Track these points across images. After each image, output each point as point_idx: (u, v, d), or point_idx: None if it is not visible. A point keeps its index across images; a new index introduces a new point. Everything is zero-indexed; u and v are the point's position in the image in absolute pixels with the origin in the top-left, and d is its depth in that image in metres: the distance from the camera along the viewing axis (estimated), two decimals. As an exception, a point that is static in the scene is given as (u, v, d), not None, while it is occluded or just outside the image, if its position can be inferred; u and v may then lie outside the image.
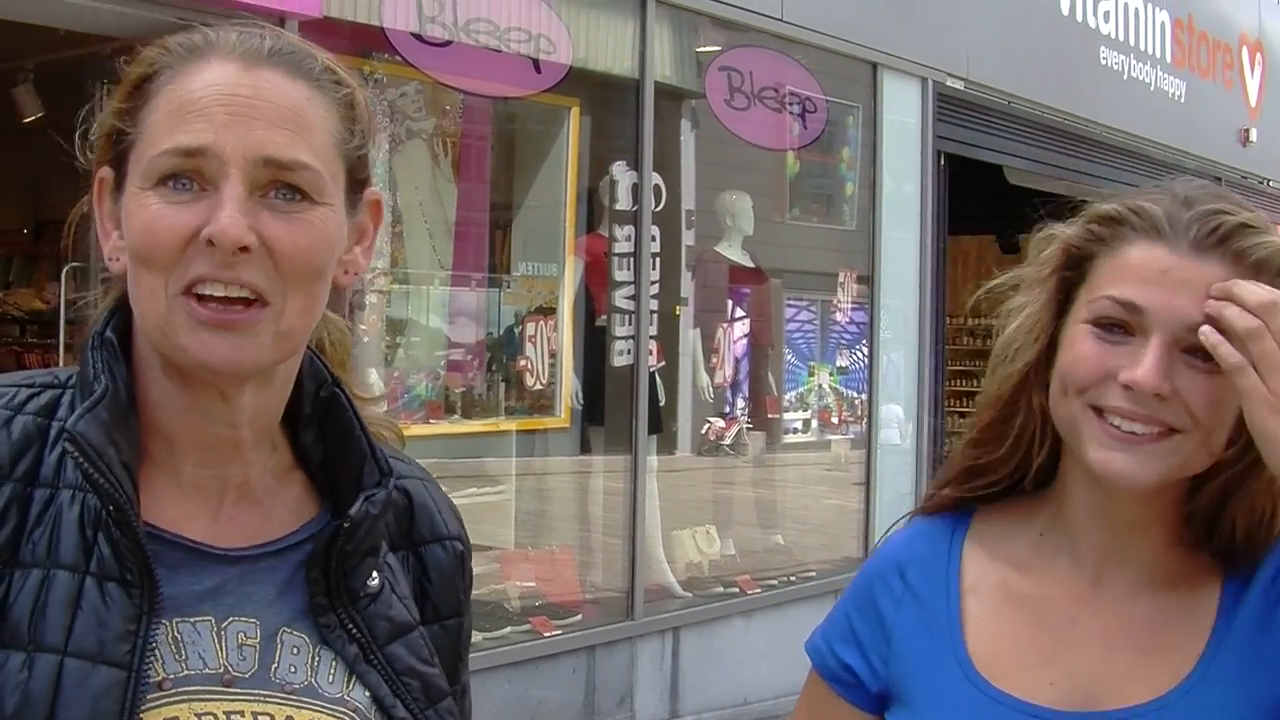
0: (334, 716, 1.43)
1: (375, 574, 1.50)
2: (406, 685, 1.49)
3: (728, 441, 9.51)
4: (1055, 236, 1.69)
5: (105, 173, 1.44)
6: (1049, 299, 1.67)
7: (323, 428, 1.54)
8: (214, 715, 1.38)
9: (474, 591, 6.10)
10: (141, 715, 1.33)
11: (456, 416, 7.62)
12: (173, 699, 1.36)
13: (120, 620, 1.34)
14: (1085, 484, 1.65)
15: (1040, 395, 1.67)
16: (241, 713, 1.39)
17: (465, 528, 1.68)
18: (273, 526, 1.50)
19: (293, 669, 1.43)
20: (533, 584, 7.59)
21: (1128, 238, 1.60)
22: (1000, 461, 1.73)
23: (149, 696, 1.34)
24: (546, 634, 7.24)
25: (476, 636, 6.89)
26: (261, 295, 1.37)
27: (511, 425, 7.85)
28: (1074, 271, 1.65)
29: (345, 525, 1.46)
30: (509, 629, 7.16)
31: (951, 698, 1.67)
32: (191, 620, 1.40)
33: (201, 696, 1.38)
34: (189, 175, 1.36)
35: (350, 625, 1.47)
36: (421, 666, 1.51)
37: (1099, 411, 1.57)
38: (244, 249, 1.35)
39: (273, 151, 1.37)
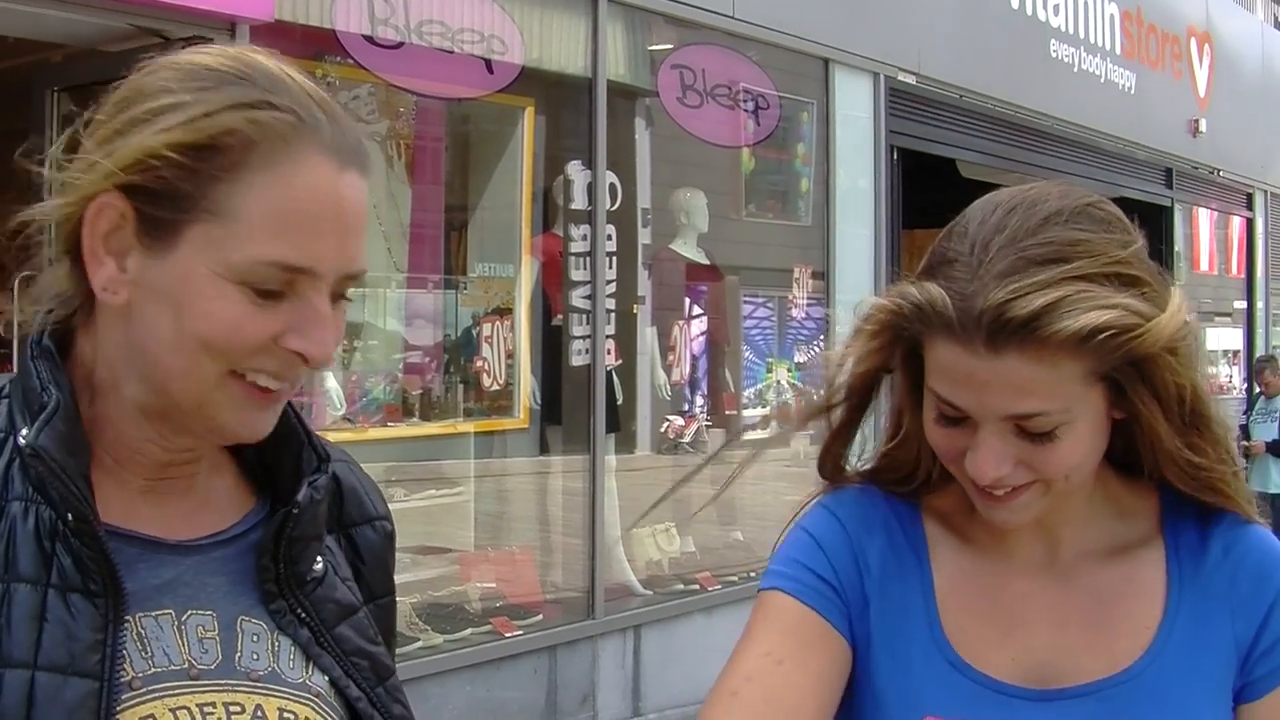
0: (299, 702, 1.45)
1: (319, 559, 1.52)
2: (356, 665, 1.52)
3: (687, 439, 9.52)
4: (874, 307, 1.67)
5: (116, 201, 1.37)
6: (880, 348, 1.68)
7: None
8: (188, 709, 1.38)
9: (434, 594, 6.11)
10: (117, 718, 1.34)
11: (415, 419, 7.61)
12: (144, 698, 1.37)
13: (88, 630, 1.34)
14: None
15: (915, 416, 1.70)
16: (213, 704, 1.40)
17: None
18: (217, 518, 1.50)
19: (255, 656, 1.45)
20: (493, 585, 7.59)
21: (932, 328, 1.55)
22: (901, 465, 1.77)
23: (122, 698, 1.34)
24: (507, 634, 7.24)
25: (437, 639, 6.90)
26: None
27: (470, 427, 7.84)
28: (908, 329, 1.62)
29: (294, 511, 1.48)
30: (470, 630, 7.16)
31: (931, 675, 1.67)
32: (154, 614, 1.41)
33: (172, 691, 1.38)
34: (283, 286, 1.37)
35: (300, 610, 1.49)
36: (369, 646, 1.54)
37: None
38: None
39: (355, 268, 1.40)
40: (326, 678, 1.50)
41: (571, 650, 7.57)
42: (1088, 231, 1.53)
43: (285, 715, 1.44)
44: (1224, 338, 16.57)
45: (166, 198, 1.36)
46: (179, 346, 1.37)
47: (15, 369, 1.45)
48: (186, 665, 1.40)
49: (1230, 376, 16.75)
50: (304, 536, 1.50)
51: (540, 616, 7.55)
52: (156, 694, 1.37)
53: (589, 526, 7.81)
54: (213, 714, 1.40)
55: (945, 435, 1.60)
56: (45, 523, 1.36)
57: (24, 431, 1.38)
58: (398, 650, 5.67)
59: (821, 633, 1.66)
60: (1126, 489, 1.72)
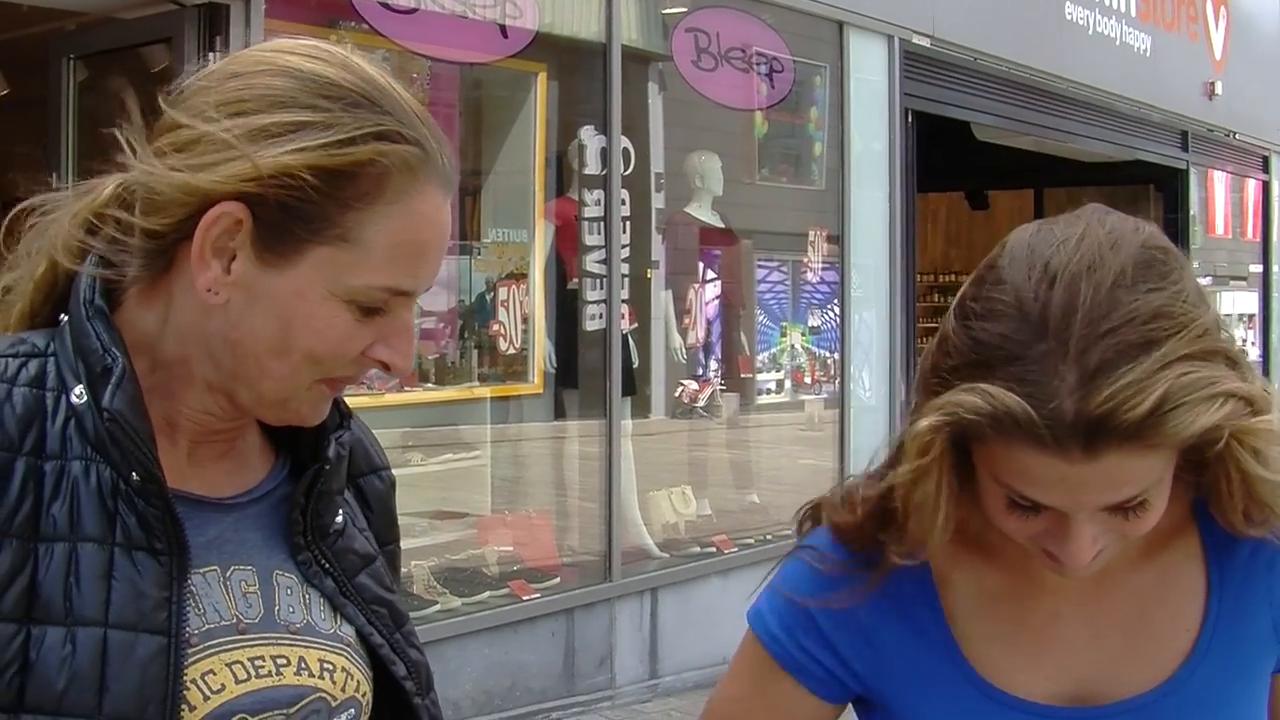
0: (335, 653, 1.50)
1: (340, 511, 1.57)
2: (377, 614, 1.56)
3: (702, 404, 9.54)
4: (925, 428, 1.46)
5: (237, 211, 1.38)
6: (940, 480, 1.50)
7: None
8: (241, 663, 1.43)
9: (452, 558, 6.15)
10: (184, 674, 1.38)
11: (430, 384, 7.64)
12: (203, 653, 1.41)
13: (155, 588, 1.38)
14: None
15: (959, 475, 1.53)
16: (261, 657, 1.45)
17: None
18: (250, 474, 1.55)
19: (291, 609, 1.49)
20: (510, 549, 7.62)
21: (1008, 435, 1.41)
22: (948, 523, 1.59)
23: (185, 654, 1.39)
24: (525, 598, 7.28)
25: (455, 602, 6.94)
26: None
27: (486, 392, 7.86)
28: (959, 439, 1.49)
29: (325, 467, 1.53)
30: (488, 594, 7.19)
31: (948, 700, 1.63)
32: (202, 572, 1.44)
33: (226, 646, 1.43)
34: (383, 305, 1.42)
35: (324, 561, 1.53)
36: (385, 594, 1.59)
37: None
38: None
39: (434, 278, 1.47)
40: (353, 627, 1.54)
41: (589, 613, 7.60)
42: (1159, 292, 1.40)
43: (325, 666, 1.49)
44: (1239, 301, 16.50)
45: (298, 217, 1.38)
46: (282, 354, 1.41)
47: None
48: (235, 620, 1.45)
49: (1245, 340, 16.70)
50: (330, 490, 1.55)
51: (557, 580, 7.58)
52: (213, 649, 1.42)
53: (605, 490, 7.84)
54: (263, 667, 1.44)
55: (1021, 523, 1.48)
56: (107, 482, 1.39)
57: (77, 390, 1.40)
58: (417, 613, 5.77)
59: (789, 693, 1.70)
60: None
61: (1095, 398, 1.34)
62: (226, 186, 1.37)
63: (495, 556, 7.50)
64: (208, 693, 1.40)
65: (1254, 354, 16.30)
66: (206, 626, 1.42)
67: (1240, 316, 16.62)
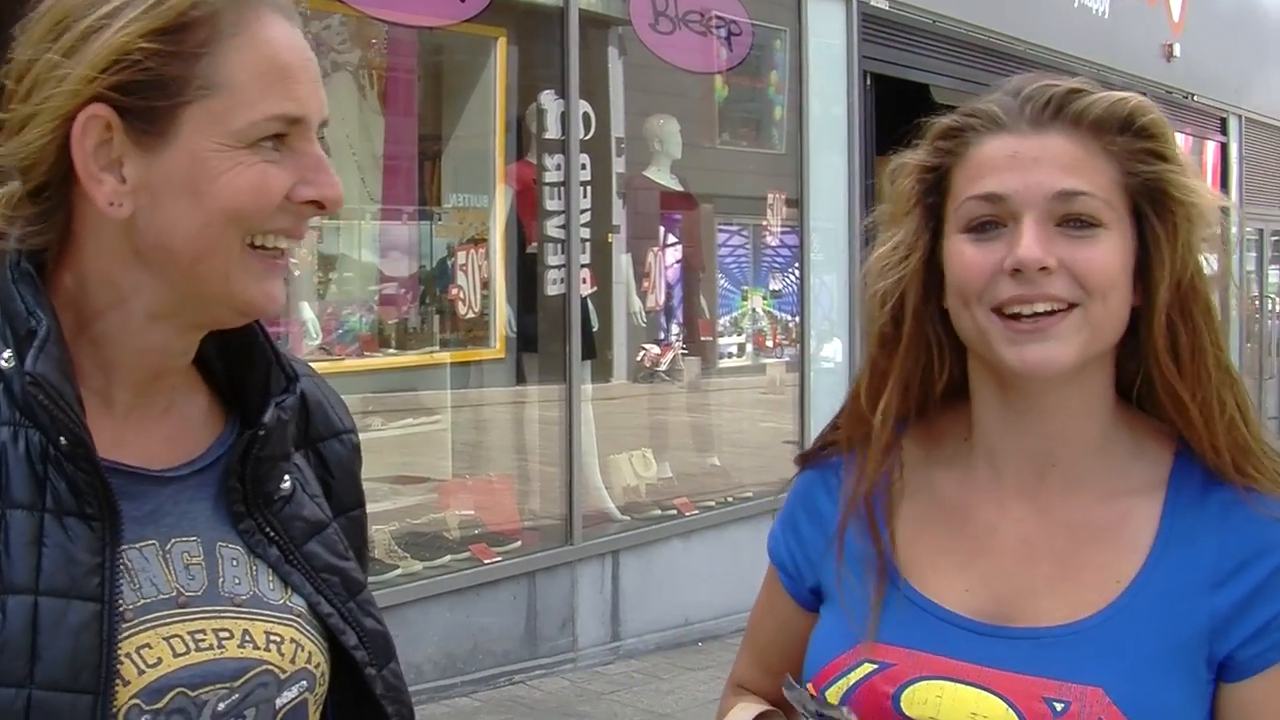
0: (283, 624, 1.48)
1: (287, 477, 1.54)
2: (327, 581, 1.53)
3: (663, 368, 9.57)
4: (905, 165, 1.70)
5: (99, 111, 1.37)
6: (917, 227, 1.67)
7: (223, 339, 1.55)
8: (180, 637, 1.40)
9: (413, 522, 6.15)
10: (116, 646, 1.35)
11: (391, 349, 7.65)
12: (138, 628, 1.38)
13: (87, 554, 1.35)
14: (997, 396, 1.65)
15: (931, 326, 1.67)
16: (203, 631, 1.42)
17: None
18: (194, 443, 1.52)
19: (237, 581, 1.47)
20: (471, 513, 7.64)
21: (972, 141, 1.62)
22: (893, 405, 1.72)
23: (119, 626, 1.36)
24: (486, 561, 7.30)
25: (416, 566, 6.96)
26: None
27: (446, 357, 7.86)
28: (935, 195, 1.66)
29: (260, 433, 1.49)
30: (449, 557, 7.22)
31: (873, 595, 1.68)
32: (138, 546, 1.42)
33: (164, 620, 1.40)
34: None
35: (268, 529, 1.50)
36: (338, 561, 1.56)
37: (1000, 312, 1.57)
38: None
39: (326, 112, 1.45)
40: (302, 597, 1.51)
41: (550, 576, 7.63)
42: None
43: (272, 638, 1.46)
44: (1198, 262, 16.60)
45: (155, 88, 1.37)
46: (206, 225, 1.39)
47: None
48: (175, 593, 1.42)
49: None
50: (271, 456, 1.51)
51: (519, 543, 7.61)
52: (149, 624, 1.39)
53: (566, 454, 7.86)
54: (204, 640, 1.42)
55: (979, 252, 1.59)
56: (35, 447, 1.37)
57: (5, 354, 1.38)
58: (378, 577, 5.78)
59: (779, 593, 1.85)
60: (1148, 434, 1.66)
61: (1040, 89, 1.61)
62: (77, 97, 1.36)
63: (456, 520, 7.51)
64: (143, 666, 1.37)
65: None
66: (142, 601, 1.40)
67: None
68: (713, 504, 8.83)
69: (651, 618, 8.11)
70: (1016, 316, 1.56)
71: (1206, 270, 1.60)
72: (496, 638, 7.28)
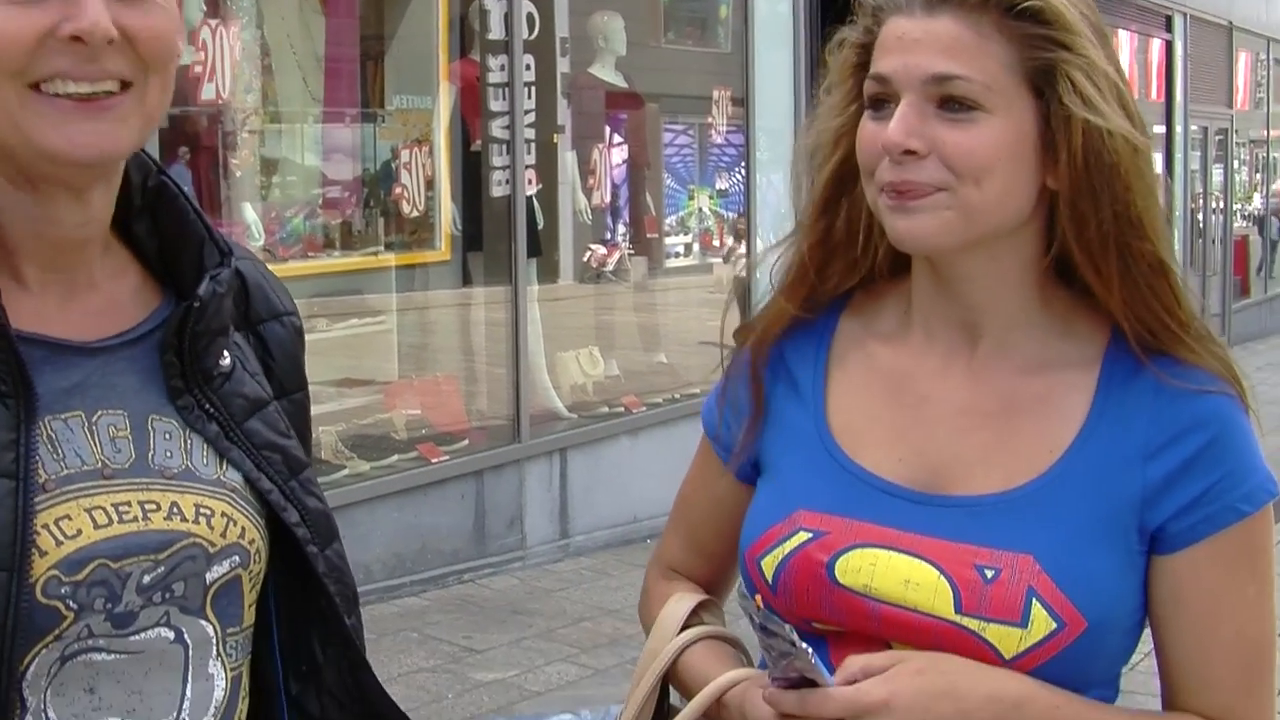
0: (214, 498, 1.46)
1: (226, 354, 1.52)
2: (268, 459, 1.52)
3: (610, 268, 9.61)
4: (845, 39, 1.71)
5: None
6: (844, 99, 1.69)
7: (154, 218, 1.53)
8: (103, 509, 1.38)
9: (360, 423, 6.12)
10: (34, 519, 1.33)
11: (336, 251, 7.64)
12: (58, 499, 1.36)
13: (1, 431, 1.33)
14: (926, 266, 1.67)
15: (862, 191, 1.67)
16: (128, 503, 1.40)
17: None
18: (123, 318, 1.49)
19: (169, 454, 1.45)
20: (418, 413, 7.65)
21: (884, 20, 1.63)
22: (835, 273, 1.74)
23: (35, 500, 1.34)
24: (434, 460, 7.32)
25: (363, 466, 6.97)
26: (126, 81, 1.37)
27: (392, 260, 7.85)
28: (865, 71, 1.66)
29: (195, 305, 1.47)
30: (396, 457, 7.24)
31: (809, 467, 1.69)
32: (63, 417, 1.40)
33: (87, 492, 1.38)
34: None
35: (207, 405, 1.48)
36: (280, 439, 1.55)
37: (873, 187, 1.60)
38: (111, 40, 1.34)
39: None
40: (240, 473, 1.50)
41: (498, 475, 7.66)
42: None
43: (202, 511, 1.44)
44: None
45: None
46: None
47: None
48: (100, 465, 1.40)
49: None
50: (208, 331, 1.49)
51: (466, 442, 7.63)
52: (70, 495, 1.37)
53: (512, 354, 7.87)
54: (128, 512, 1.40)
55: (872, 130, 1.60)
56: None
57: None
58: (325, 478, 5.78)
59: (712, 465, 1.84)
60: (1081, 313, 1.66)
61: None
62: None
63: (403, 421, 7.53)
64: (61, 537, 1.35)
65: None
66: (65, 471, 1.38)
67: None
68: (660, 401, 8.88)
69: (600, 515, 8.17)
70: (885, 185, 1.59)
71: (1136, 164, 1.58)
72: (445, 537, 7.32)
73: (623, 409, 8.73)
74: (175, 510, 1.42)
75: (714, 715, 1.66)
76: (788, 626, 1.45)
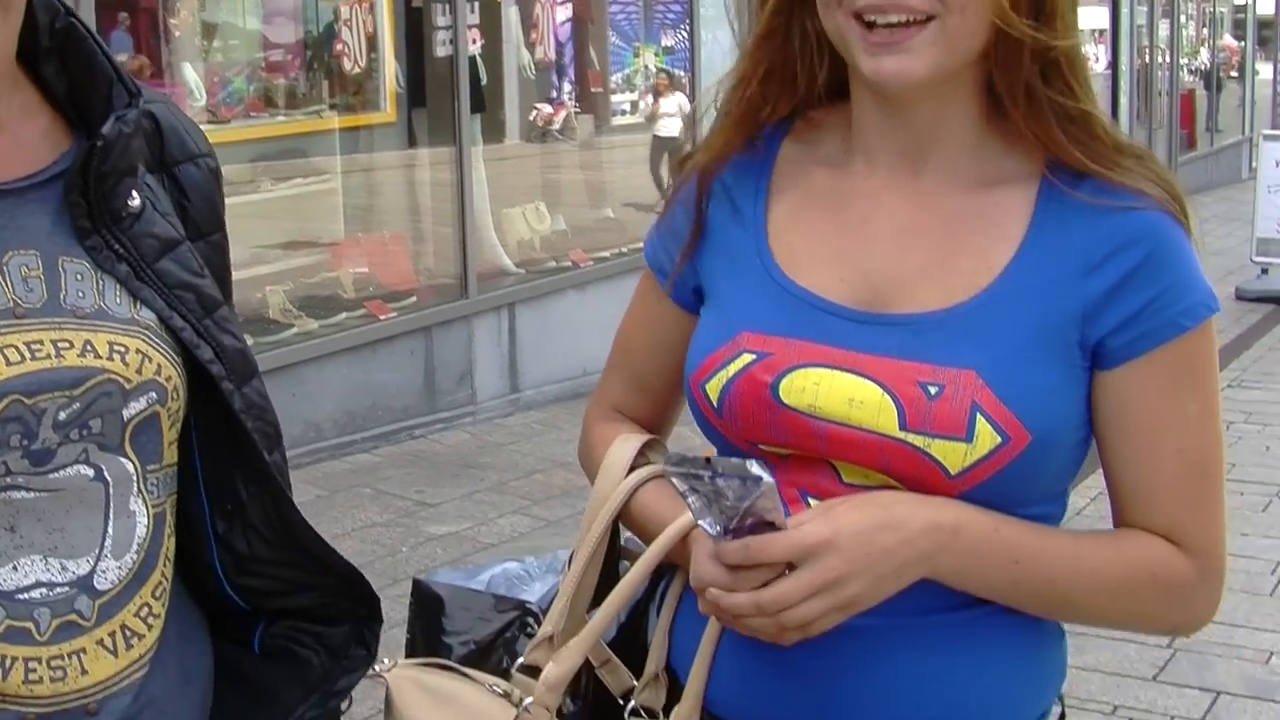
0: (128, 335, 1.46)
1: (135, 194, 1.51)
2: (181, 298, 1.52)
3: (556, 126, 9.59)
4: None
5: None
6: None
7: (63, 59, 1.52)
8: (15, 347, 1.39)
9: (307, 281, 6.09)
10: None
11: (279, 114, 7.60)
12: None
13: None
14: (869, 95, 1.64)
15: (808, 17, 1.63)
16: (40, 341, 1.40)
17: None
18: (32, 159, 1.49)
19: (80, 294, 1.45)
20: (365, 270, 7.66)
21: None
22: (775, 96, 1.70)
23: None
24: (382, 317, 7.34)
25: (312, 324, 6.96)
26: None
27: (336, 121, 7.81)
28: None
29: (99, 145, 1.46)
30: (344, 315, 7.26)
31: (751, 290, 1.67)
32: None
33: None
34: None
35: (116, 245, 1.48)
36: (192, 278, 1.54)
37: (860, 18, 1.54)
38: None
39: None
40: (153, 312, 1.49)
41: (446, 330, 7.69)
42: None
43: (116, 348, 1.44)
44: (1090, 16, 16.58)
45: None
46: None
47: None
48: (11, 305, 1.40)
49: (1096, 57, 16.80)
50: (114, 171, 1.48)
51: (414, 299, 7.65)
52: None
53: (459, 212, 7.87)
54: (41, 350, 1.40)
55: None
56: None
57: None
58: (273, 337, 5.82)
59: (657, 298, 1.80)
60: (1018, 137, 1.63)
61: None
62: None
63: (350, 279, 7.53)
64: None
65: (1101, 67, 16.48)
66: None
67: (1091, 31, 16.75)
68: (607, 256, 8.90)
69: (549, 369, 8.23)
70: (872, 26, 1.54)
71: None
72: (395, 393, 7.37)
73: (570, 264, 8.76)
74: (89, 348, 1.42)
75: (676, 553, 1.66)
76: (753, 462, 1.43)
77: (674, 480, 1.47)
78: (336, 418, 7.01)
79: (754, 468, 1.41)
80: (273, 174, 7.48)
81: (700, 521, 1.48)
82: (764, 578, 1.47)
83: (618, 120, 10.13)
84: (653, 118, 10.17)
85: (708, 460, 1.45)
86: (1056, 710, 1.73)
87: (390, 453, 7.13)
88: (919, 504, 1.54)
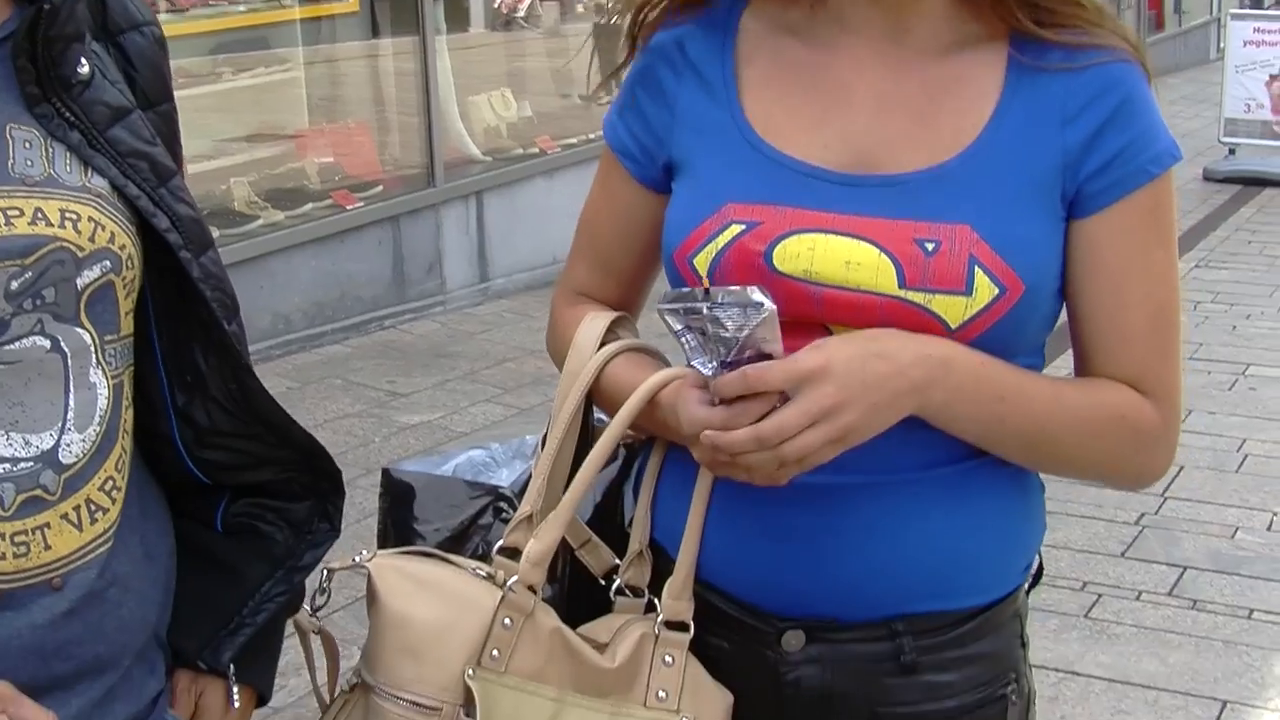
0: (80, 203, 1.44)
1: (84, 61, 1.48)
2: (134, 166, 1.50)
3: (521, 14, 9.50)
4: None
5: None
6: None
7: None
8: None
9: (272, 172, 6.01)
10: None
11: (240, 5, 7.48)
12: None
13: None
14: None
15: None
16: None
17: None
18: None
19: (29, 163, 1.43)
20: (331, 160, 7.60)
21: None
22: None
23: None
24: (349, 207, 7.30)
25: (278, 215, 6.91)
26: None
27: (298, 11, 7.70)
28: None
29: (46, 8, 1.43)
30: (310, 205, 7.20)
31: (731, 161, 1.66)
32: None
33: None
34: None
35: (67, 113, 1.46)
36: (145, 147, 1.52)
37: None
38: None
39: None
40: (106, 180, 1.48)
41: (414, 220, 7.66)
42: None
43: (68, 216, 1.42)
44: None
45: None
46: None
47: None
48: None
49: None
50: (62, 36, 1.45)
51: (381, 188, 7.60)
52: None
53: (424, 101, 7.81)
54: None
55: None
56: None
57: None
58: (239, 229, 5.77)
59: (621, 179, 1.78)
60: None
61: None
62: None
63: (316, 169, 7.47)
64: None
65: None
66: None
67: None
68: (575, 142, 8.84)
69: (518, 257, 8.20)
70: None
71: None
72: (364, 284, 7.35)
73: (537, 151, 8.70)
74: (40, 215, 1.40)
75: (646, 418, 1.66)
76: (754, 288, 1.42)
77: (668, 319, 1.47)
78: (306, 309, 6.99)
79: (755, 294, 1.42)
80: (234, 65, 7.37)
81: (694, 362, 1.48)
82: (760, 411, 1.47)
83: (582, 6, 10.03)
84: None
85: (706, 290, 1.45)
86: (1036, 561, 1.78)
87: (361, 344, 7.13)
88: (908, 338, 1.55)
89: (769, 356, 1.46)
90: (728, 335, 1.44)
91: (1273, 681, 4.20)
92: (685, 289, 1.48)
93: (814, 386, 1.47)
